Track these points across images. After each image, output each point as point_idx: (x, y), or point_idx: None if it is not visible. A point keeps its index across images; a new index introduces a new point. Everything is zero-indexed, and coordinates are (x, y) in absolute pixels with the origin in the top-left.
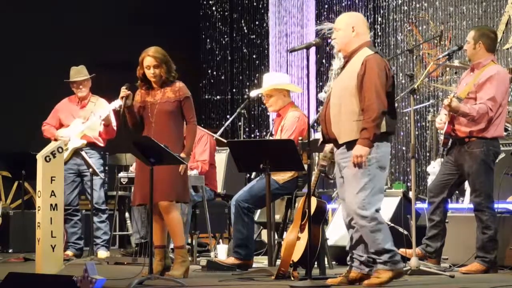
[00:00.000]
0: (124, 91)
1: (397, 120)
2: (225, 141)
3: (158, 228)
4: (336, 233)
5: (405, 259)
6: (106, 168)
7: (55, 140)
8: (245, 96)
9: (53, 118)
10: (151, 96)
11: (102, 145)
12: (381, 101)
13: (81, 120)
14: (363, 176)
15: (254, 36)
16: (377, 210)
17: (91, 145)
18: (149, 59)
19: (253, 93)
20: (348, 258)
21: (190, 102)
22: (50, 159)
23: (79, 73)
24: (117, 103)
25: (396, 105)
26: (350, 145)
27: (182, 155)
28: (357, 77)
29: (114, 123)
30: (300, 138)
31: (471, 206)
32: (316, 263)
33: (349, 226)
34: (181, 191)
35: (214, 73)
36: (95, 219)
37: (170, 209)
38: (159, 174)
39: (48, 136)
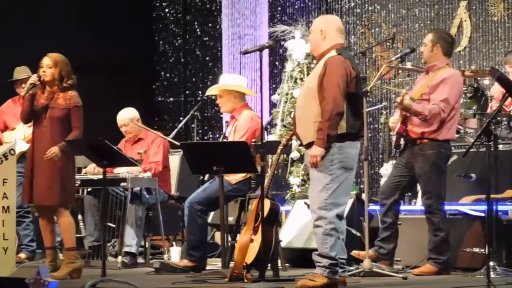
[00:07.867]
0: (32, 79)
1: (362, 121)
2: (178, 143)
3: (48, 230)
4: (289, 235)
5: (358, 261)
6: None
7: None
8: (199, 98)
9: None
10: (43, 98)
11: None
12: (336, 102)
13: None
14: (326, 176)
15: (207, 38)
16: (340, 218)
17: None
18: (45, 59)
19: (207, 92)
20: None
21: (79, 112)
22: (2, 161)
23: (21, 72)
24: None
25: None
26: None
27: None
28: (318, 78)
29: None
30: (253, 140)
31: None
32: (269, 265)
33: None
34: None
35: (167, 75)
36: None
37: (61, 212)
38: (44, 177)
39: None
